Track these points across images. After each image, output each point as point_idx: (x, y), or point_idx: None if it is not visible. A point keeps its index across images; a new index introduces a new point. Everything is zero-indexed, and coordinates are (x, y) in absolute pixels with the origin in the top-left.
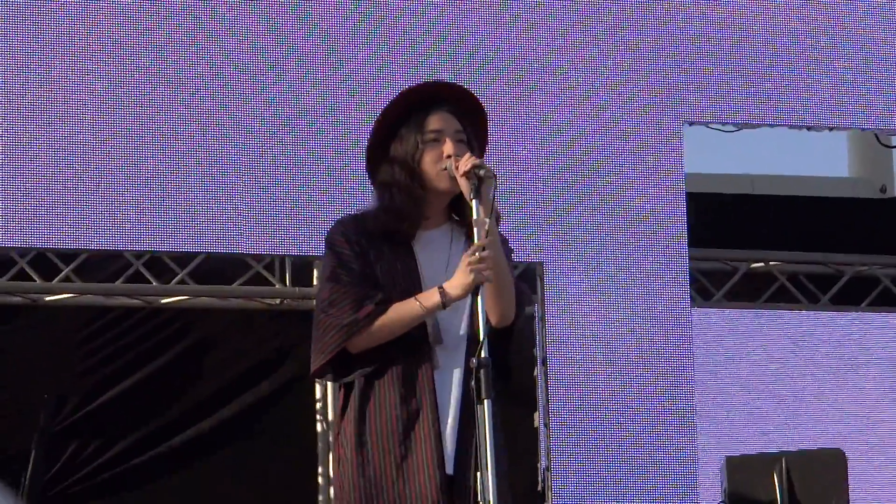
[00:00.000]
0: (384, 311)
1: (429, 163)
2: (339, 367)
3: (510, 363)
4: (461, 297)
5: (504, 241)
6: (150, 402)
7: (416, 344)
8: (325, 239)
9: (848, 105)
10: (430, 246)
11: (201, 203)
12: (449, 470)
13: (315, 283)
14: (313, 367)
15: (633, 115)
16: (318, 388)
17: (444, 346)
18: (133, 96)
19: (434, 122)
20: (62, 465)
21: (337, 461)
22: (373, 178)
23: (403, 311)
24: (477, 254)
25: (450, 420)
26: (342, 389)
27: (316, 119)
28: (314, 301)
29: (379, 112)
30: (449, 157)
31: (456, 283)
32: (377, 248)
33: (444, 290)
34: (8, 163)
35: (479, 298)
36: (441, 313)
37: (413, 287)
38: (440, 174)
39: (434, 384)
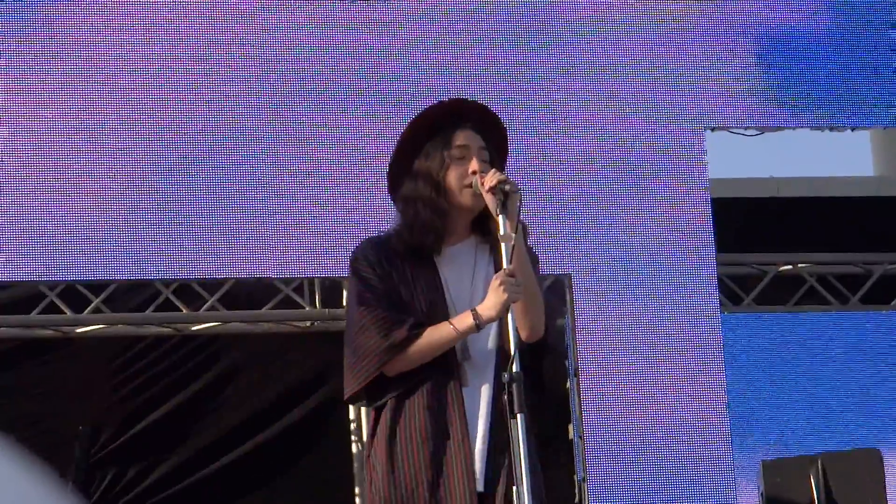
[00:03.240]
0: (419, 335)
1: (454, 179)
2: (373, 392)
3: (544, 377)
4: (495, 319)
5: (532, 253)
6: (184, 430)
7: (445, 361)
8: (349, 265)
9: (869, 104)
10: (454, 262)
11: (229, 228)
12: (479, 487)
13: (345, 303)
14: (347, 392)
15: (655, 123)
16: (352, 408)
17: (473, 362)
18: (157, 125)
19: (460, 138)
20: (99, 496)
21: (369, 482)
22: (394, 194)
23: (437, 334)
24: (507, 273)
25: (479, 437)
26: (373, 411)
27: (340, 140)
28: (345, 322)
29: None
30: (475, 173)
31: (489, 304)
32: (400, 269)
33: (477, 312)
34: (34, 197)
35: (510, 314)
36: None
37: (439, 305)
38: (465, 190)
39: (463, 401)
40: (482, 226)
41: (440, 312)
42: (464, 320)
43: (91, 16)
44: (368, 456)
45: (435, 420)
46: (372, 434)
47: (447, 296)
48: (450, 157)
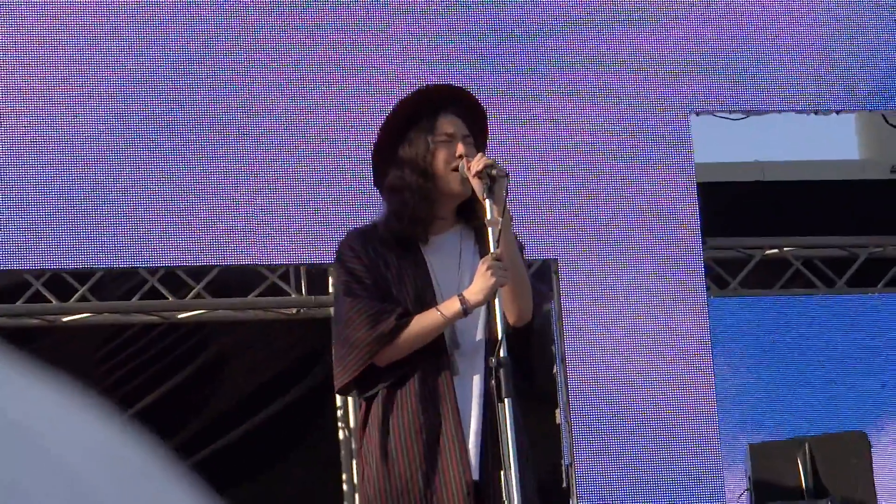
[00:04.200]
0: (407, 323)
1: (440, 164)
2: (363, 382)
3: (532, 362)
4: (482, 304)
5: (520, 248)
6: (171, 418)
7: (435, 351)
8: (336, 256)
9: (854, 87)
10: (440, 250)
11: (214, 216)
12: (475, 476)
13: (331, 290)
14: (338, 384)
15: (640, 107)
16: (338, 396)
17: (462, 351)
18: (141, 114)
19: (445, 124)
20: None
21: (361, 475)
22: (379, 183)
23: (425, 321)
24: (494, 258)
25: (472, 425)
26: (363, 402)
27: (325, 128)
28: (331, 310)
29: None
30: (461, 157)
31: (476, 288)
32: (385, 259)
33: (464, 297)
34: (19, 186)
35: (497, 300)
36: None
37: (426, 294)
38: (452, 175)
39: (455, 391)
40: (467, 212)
41: (428, 300)
42: (451, 306)
43: (69, 2)
44: (360, 448)
45: (427, 410)
46: (363, 425)
47: (434, 283)
48: (434, 142)
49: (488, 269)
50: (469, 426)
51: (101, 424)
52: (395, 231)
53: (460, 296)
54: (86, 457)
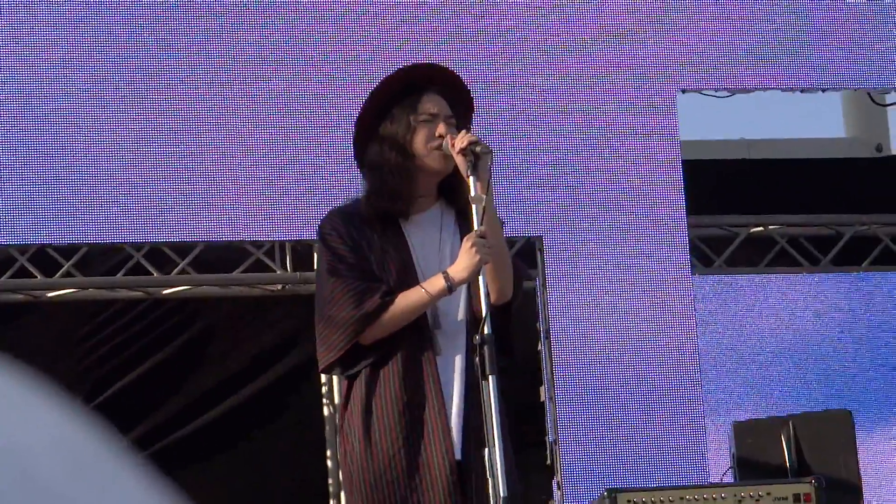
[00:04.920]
0: (391, 302)
1: (420, 142)
2: (347, 361)
3: (512, 339)
4: (467, 281)
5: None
6: (156, 394)
7: (418, 330)
8: (318, 235)
9: (840, 65)
10: (421, 228)
11: (200, 192)
12: (457, 455)
13: (315, 274)
14: (322, 363)
15: (627, 84)
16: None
17: (444, 331)
18: (125, 88)
19: (428, 103)
20: None
21: (343, 453)
22: (360, 159)
23: (410, 299)
24: (478, 235)
25: (455, 404)
26: (346, 380)
27: (310, 103)
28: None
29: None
30: (441, 136)
31: (460, 266)
32: (369, 237)
33: (448, 274)
34: (3, 160)
35: (480, 277)
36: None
37: (408, 272)
38: (434, 153)
39: (437, 370)
40: (448, 190)
41: (410, 278)
42: (435, 283)
43: None
44: (342, 426)
45: (410, 389)
46: (345, 404)
47: (415, 261)
48: (416, 120)
49: (472, 246)
50: (451, 405)
51: (54, 412)
52: (376, 208)
53: (444, 273)
54: (39, 444)
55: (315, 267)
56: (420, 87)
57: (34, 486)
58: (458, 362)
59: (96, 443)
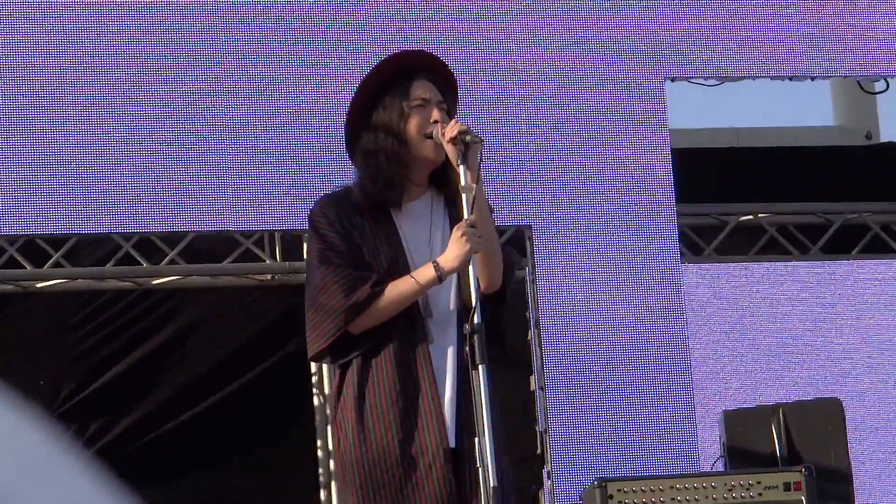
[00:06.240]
0: (382, 291)
1: (414, 128)
2: (337, 350)
3: (503, 328)
4: (457, 270)
5: (486, 203)
6: (145, 385)
7: (410, 319)
8: (309, 221)
9: (829, 53)
10: (412, 216)
11: (189, 182)
12: (451, 443)
13: (305, 262)
14: (311, 351)
15: (615, 73)
16: (313, 363)
17: (435, 319)
18: (115, 79)
19: (419, 89)
20: None
21: (337, 443)
22: (352, 149)
23: (400, 289)
24: (468, 224)
25: (447, 393)
26: (338, 370)
27: (300, 92)
28: (305, 276)
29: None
30: (436, 122)
31: (451, 255)
32: (359, 226)
33: (438, 264)
34: None
35: (470, 266)
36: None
37: (399, 260)
38: (426, 141)
39: (430, 359)
40: (439, 178)
41: (400, 267)
42: (425, 273)
43: None
44: (335, 416)
45: (403, 378)
46: (337, 394)
47: (406, 250)
48: (409, 107)
49: (462, 235)
50: (444, 394)
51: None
52: (369, 195)
53: (434, 262)
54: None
55: (305, 255)
56: (410, 73)
57: None
58: (450, 351)
59: (47, 444)
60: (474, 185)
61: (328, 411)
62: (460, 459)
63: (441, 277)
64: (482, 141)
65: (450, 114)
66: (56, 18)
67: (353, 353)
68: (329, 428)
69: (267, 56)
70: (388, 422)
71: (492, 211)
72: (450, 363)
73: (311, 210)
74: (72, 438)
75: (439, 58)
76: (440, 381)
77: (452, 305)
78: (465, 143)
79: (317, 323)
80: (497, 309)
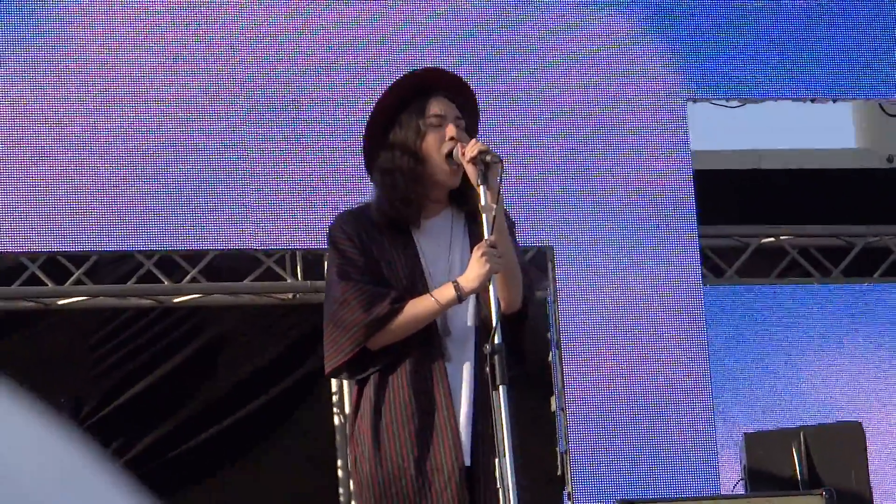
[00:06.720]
0: (401, 309)
1: (431, 146)
2: (354, 366)
3: (524, 348)
4: (477, 291)
5: (511, 225)
6: (166, 402)
7: (427, 336)
8: (328, 238)
9: (851, 76)
10: (431, 234)
11: (211, 200)
12: (466, 462)
13: (326, 279)
14: (329, 366)
15: (637, 95)
16: (333, 381)
17: (453, 337)
18: (137, 97)
19: (436, 106)
20: None
21: (353, 459)
22: (370, 166)
23: (419, 307)
24: (488, 244)
25: (463, 411)
26: (356, 386)
27: (322, 112)
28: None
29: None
30: (452, 139)
31: (471, 275)
32: (378, 242)
33: (458, 284)
34: (15, 168)
35: (491, 286)
36: None
37: (417, 278)
38: (444, 162)
39: (447, 376)
40: (459, 196)
41: (419, 285)
42: (445, 293)
43: None
44: (352, 432)
45: (420, 395)
46: (355, 410)
47: (425, 268)
48: (425, 125)
49: (483, 255)
50: (461, 411)
51: (41, 428)
52: (387, 214)
53: (455, 282)
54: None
55: (325, 272)
56: (427, 90)
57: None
58: (467, 369)
59: (81, 458)
60: (494, 205)
61: (347, 429)
62: (475, 479)
63: (461, 298)
64: (501, 161)
65: (469, 131)
66: (82, 37)
67: (369, 370)
68: (348, 445)
69: (289, 75)
70: (404, 439)
71: (513, 224)
72: (466, 381)
73: (330, 225)
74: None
75: (457, 75)
76: (456, 398)
77: (470, 322)
78: (485, 163)
79: (335, 338)
80: (517, 329)
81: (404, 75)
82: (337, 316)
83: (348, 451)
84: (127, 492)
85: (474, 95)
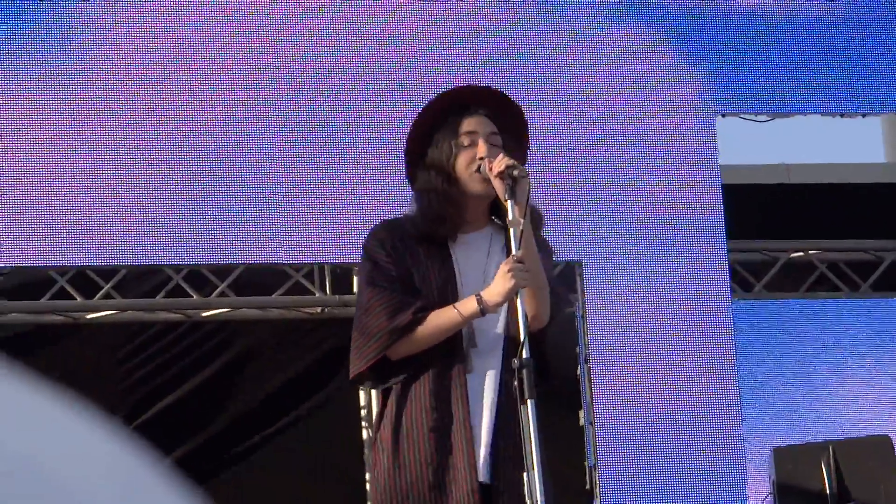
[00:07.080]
0: (424, 318)
1: (462, 166)
2: (378, 374)
3: (548, 364)
4: (500, 305)
5: (544, 242)
6: (194, 416)
7: (451, 347)
8: (363, 246)
9: (881, 89)
10: (468, 248)
11: (239, 214)
12: (483, 476)
13: (355, 289)
14: (353, 372)
15: (666, 108)
16: (362, 394)
17: (480, 350)
18: (165, 111)
19: (467, 124)
20: None
21: (374, 464)
22: (412, 183)
23: (442, 319)
24: (515, 260)
25: (484, 424)
26: (381, 395)
27: (352, 126)
28: (355, 308)
29: (415, 116)
30: (482, 158)
31: (495, 290)
32: (413, 252)
33: (481, 297)
34: (44, 182)
35: (519, 300)
36: None
37: (449, 290)
38: (473, 177)
39: (467, 389)
40: (499, 212)
41: (450, 298)
42: (468, 305)
43: (88, 5)
44: (375, 440)
45: (439, 408)
46: (380, 417)
47: (458, 281)
48: (457, 145)
49: (509, 270)
50: (481, 425)
51: (99, 436)
52: (421, 231)
53: (478, 296)
54: (83, 470)
55: (355, 288)
56: (462, 109)
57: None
58: (490, 381)
59: (140, 467)
60: (522, 220)
61: (373, 439)
62: (495, 493)
63: (484, 311)
64: (528, 175)
65: (508, 147)
66: (122, 51)
67: (393, 379)
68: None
69: (316, 89)
70: (423, 449)
71: (551, 252)
72: (488, 394)
73: (367, 234)
74: None
75: (495, 89)
76: (475, 412)
77: (499, 332)
78: (513, 178)
79: (360, 345)
80: (537, 346)
81: (443, 92)
82: (362, 322)
83: (371, 460)
84: (183, 495)
85: (520, 110)
